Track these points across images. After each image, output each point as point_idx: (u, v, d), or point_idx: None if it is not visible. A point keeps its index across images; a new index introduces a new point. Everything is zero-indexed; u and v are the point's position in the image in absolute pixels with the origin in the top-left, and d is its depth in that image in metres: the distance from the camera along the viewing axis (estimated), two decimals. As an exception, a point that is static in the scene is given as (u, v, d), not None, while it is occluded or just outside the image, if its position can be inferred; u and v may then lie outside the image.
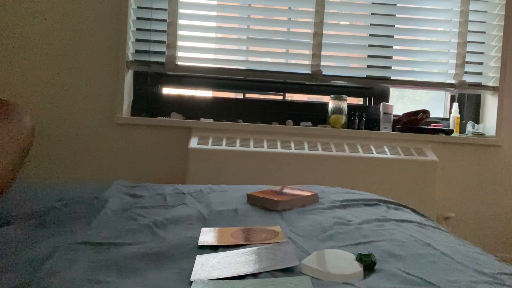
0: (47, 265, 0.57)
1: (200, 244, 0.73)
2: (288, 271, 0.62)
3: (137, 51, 2.11)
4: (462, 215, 2.17)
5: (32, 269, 0.56)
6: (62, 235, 0.73)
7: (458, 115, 2.21)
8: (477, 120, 2.33)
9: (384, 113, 2.14)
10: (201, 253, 0.69)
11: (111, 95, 2.03)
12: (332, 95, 2.12)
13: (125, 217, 0.86)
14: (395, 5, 2.22)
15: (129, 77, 2.11)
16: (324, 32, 2.13)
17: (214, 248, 0.72)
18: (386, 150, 2.03)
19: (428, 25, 2.25)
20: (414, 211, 1.09)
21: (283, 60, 2.24)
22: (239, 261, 0.65)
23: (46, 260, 0.59)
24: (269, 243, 0.73)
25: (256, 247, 0.71)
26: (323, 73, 2.14)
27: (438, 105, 2.48)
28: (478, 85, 2.24)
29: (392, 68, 2.25)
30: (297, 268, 0.63)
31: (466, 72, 2.20)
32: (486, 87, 2.23)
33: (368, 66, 2.23)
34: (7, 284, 0.51)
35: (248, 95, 2.34)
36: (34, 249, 0.66)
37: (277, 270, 0.61)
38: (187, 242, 0.73)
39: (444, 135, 2.13)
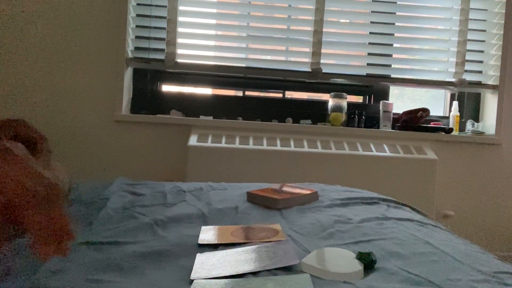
0: (47, 265, 0.57)
1: (200, 243, 0.73)
2: (288, 269, 0.62)
3: (136, 48, 2.10)
4: (461, 214, 2.17)
5: (33, 269, 0.56)
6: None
7: (458, 114, 2.21)
8: (476, 119, 2.33)
9: (384, 111, 2.14)
10: (201, 252, 0.69)
11: (110, 92, 2.02)
12: (332, 93, 2.12)
13: (126, 215, 0.86)
14: (396, 3, 2.22)
15: (128, 74, 2.10)
16: (324, 30, 2.12)
17: (214, 247, 0.71)
18: (386, 148, 2.03)
19: (429, 23, 2.24)
20: (414, 209, 1.09)
21: (283, 58, 2.23)
22: (239, 260, 0.64)
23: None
24: (269, 242, 0.73)
25: (256, 246, 0.71)
26: (323, 71, 2.13)
27: (437, 104, 2.48)
28: (478, 84, 2.24)
29: (392, 66, 2.25)
30: (297, 266, 0.63)
31: (466, 71, 2.20)
32: (486, 86, 2.23)
33: (368, 64, 2.22)
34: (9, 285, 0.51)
35: (247, 93, 2.34)
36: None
37: (277, 269, 0.61)
38: (187, 240, 0.73)
39: (443, 133, 2.13)
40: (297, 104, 2.28)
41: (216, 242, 0.73)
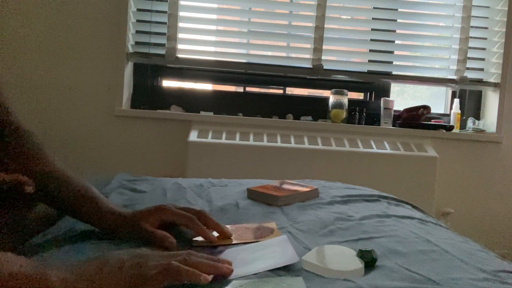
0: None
1: (194, 244, 0.71)
2: (286, 268, 0.61)
3: (137, 43, 2.09)
4: (461, 211, 2.18)
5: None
6: (61, 233, 0.72)
7: (459, 111, 2.21)
8: (477, 117, 2.33)
9: (385, 108, 2.14)
10: (198, 251, 0.68)
11: (110, 87, 2.01)
12: (333, 90, 2.11)
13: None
14: (398, -1, 2.21)
15: (129, 69, 2.10)
16: (325, 26, 2.11)
17: (213, 247, 0.70)
18: (386, 145, 2.03)
19: (431, 20, 2.23)
20: (415, 207, 1.08)
21: (284, 54, 2.23)
22: (236, 259, 0.64)
23: (45, 260, 0.59)
24: (265, 240, 0.72)
25: (253, 244, 0.70)
26: (324, 67, 2.13)
27: (438, 101, 2.48)
28: (479, 81, 2.24)
29: (394, 63, 2.24)
30: (295, 265, 0.62)
31: (467, 68, 2.19)
32: (488, 83, 2.23)
33: (370, 61, 2.22)
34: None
35: (248, 89, 2.33)
36: (32, 248, 0.65)
37: (275, 268, 0.60)
38: (185, 239, 0.72)
39: (444, 131, 2.13)
40: (297, 100, 2.27)
41: (212, 243, 0.72)
